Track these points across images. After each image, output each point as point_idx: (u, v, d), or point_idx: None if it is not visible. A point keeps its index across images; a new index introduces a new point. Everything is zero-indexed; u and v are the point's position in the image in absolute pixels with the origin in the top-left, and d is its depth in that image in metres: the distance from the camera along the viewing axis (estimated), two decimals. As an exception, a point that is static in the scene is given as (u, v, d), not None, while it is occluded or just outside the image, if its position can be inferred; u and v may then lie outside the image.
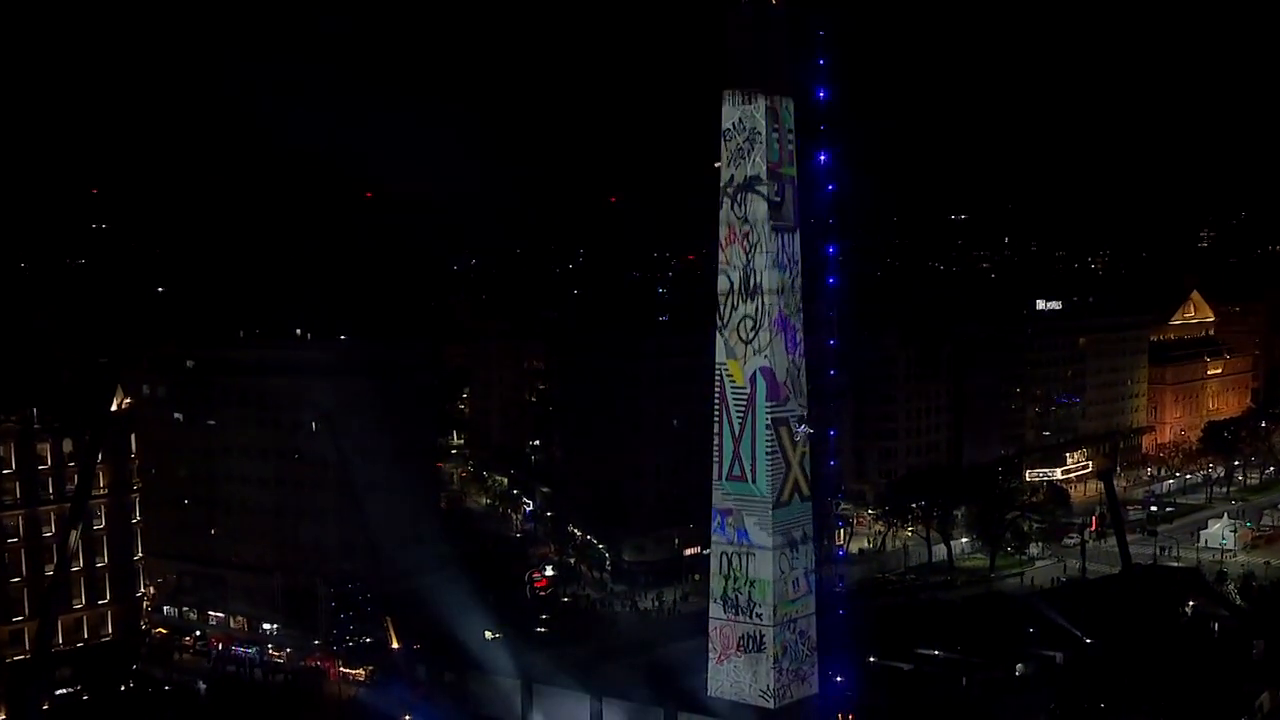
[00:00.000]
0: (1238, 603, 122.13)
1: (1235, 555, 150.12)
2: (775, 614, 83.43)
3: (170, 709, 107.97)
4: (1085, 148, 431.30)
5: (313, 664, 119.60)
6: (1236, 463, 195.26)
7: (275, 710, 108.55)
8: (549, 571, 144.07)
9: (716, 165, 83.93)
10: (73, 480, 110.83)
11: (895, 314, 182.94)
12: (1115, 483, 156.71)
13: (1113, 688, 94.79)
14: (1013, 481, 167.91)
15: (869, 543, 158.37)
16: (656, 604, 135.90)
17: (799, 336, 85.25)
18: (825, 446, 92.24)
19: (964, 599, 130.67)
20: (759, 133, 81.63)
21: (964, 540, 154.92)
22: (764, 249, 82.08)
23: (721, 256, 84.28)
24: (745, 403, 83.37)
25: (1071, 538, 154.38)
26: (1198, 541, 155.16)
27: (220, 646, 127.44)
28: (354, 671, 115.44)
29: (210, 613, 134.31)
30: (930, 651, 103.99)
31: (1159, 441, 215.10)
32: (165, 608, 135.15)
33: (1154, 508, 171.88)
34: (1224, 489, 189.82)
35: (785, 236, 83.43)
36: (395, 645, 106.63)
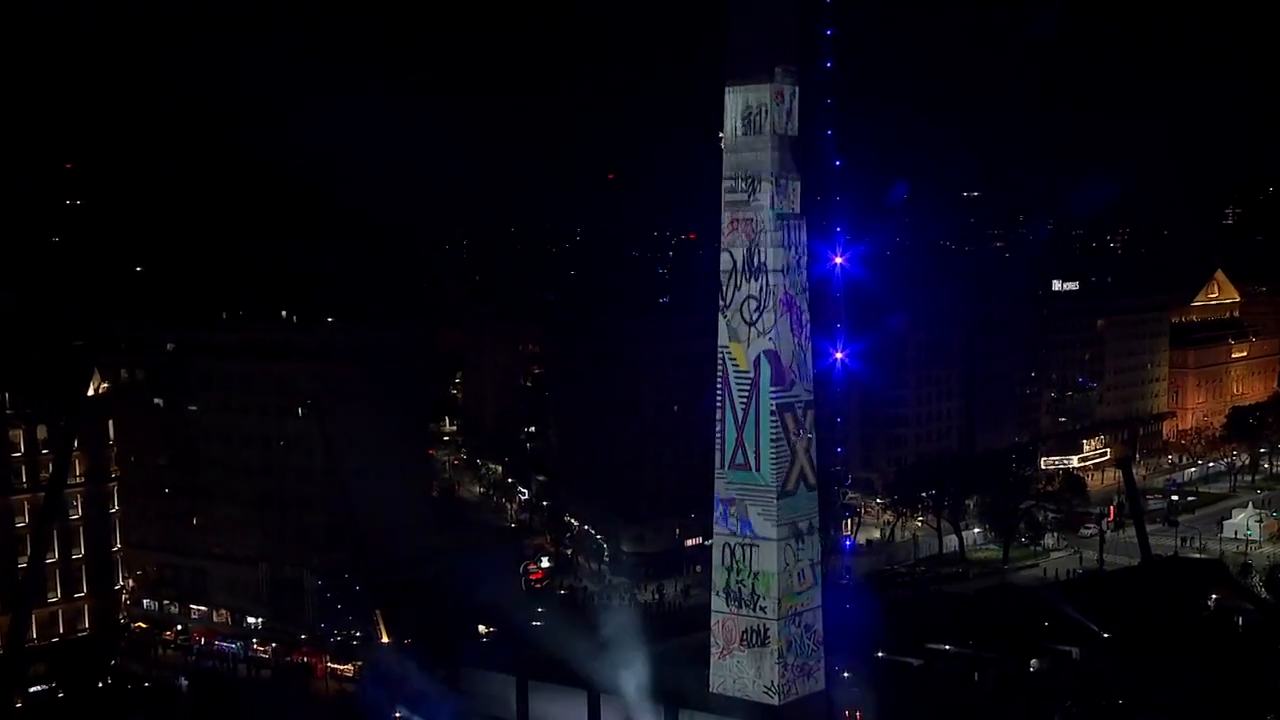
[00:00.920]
0: (1263, 596, 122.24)
1: (1260, 546, 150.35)
2: (780, 607, 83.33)
3: (150, 707, 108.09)
4: (1104, 120, 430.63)
5: (299, 659, 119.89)
6: (1262, 450, 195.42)
7: (260, 708, 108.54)
8: (545, 563, 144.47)
9: (720, 135, 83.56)
10: (47, 468, 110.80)
11: (904, 295, 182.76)
12: (1134, 471, 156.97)
13: (1132, 684, 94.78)
14: (1027, 470, 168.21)
15: (878, 533, 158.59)
16: (656, 597, 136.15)
17: (805, 318, 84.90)
18: (832, 433, 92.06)
19: (976, 592, 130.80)
20: (764, 111, 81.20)
21: (976, 531, 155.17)
22: (767, 227, 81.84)
23: (724, 235, 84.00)
24: (749, 387, 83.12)
25: (1088, 528, 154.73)
26: (1221, 532, 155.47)
27: (202, 641, 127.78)
28: (342, 667, 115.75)
29: (192, 606, 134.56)
30: (941, 646, 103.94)
31: (1180, 428, 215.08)
32: (145, 601, 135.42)
33: (1175, 497, 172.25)
34: (1249, 477, 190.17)
35: (790, 216, 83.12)
36: (385, 640, 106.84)
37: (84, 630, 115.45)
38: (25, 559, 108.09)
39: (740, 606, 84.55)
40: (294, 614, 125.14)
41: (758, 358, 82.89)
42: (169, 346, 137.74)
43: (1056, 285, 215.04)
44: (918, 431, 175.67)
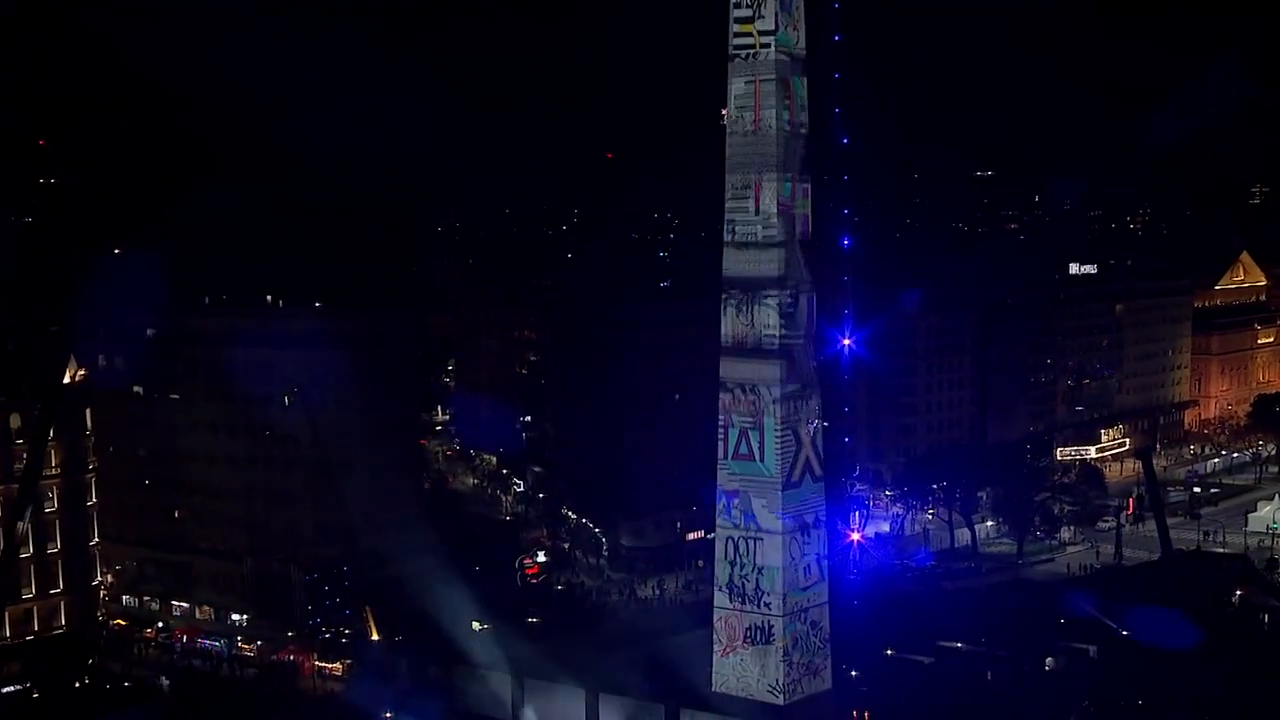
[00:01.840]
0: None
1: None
2: (785, 603, 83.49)
3: (130, 707, 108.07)
4: (1123, 97, 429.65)
5: (286, 657, 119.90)
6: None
7: (245, 708, 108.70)
8: (541, 558, 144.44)
9: (724, 111, 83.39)
10: (21, 459, 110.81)
11: (915, 279, 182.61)
12: (1155, 462, 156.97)
13: (1152, 684, 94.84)
14: (1042, 460, 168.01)
15: (887, 526, 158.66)
16: (657, 592, 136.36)
17: (811, 302, 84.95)
18: (839, 423, 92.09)
19: (989, 587, 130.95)
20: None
21: (989, 524, 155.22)
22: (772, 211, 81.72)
23: (727, 217, 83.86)
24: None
25: (1106, 521, 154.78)
26: (1246, 525, 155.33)
27: (185, 639, 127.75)
28: (331, 665, 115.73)
29: (174, 603, 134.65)
30: (953, 644, 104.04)
31: (1203, 417, 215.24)
32: (124, 597, 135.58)
33: (1197, 489, 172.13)
34: (1275, 468, 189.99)
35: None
36: (375, 637, 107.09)
37: (60, 628, 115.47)
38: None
39: (744, 602, 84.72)
40: (280, 611, 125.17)
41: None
42: (149, 332, 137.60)
43: (1074, 268, 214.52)
44: (928, 421, 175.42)
